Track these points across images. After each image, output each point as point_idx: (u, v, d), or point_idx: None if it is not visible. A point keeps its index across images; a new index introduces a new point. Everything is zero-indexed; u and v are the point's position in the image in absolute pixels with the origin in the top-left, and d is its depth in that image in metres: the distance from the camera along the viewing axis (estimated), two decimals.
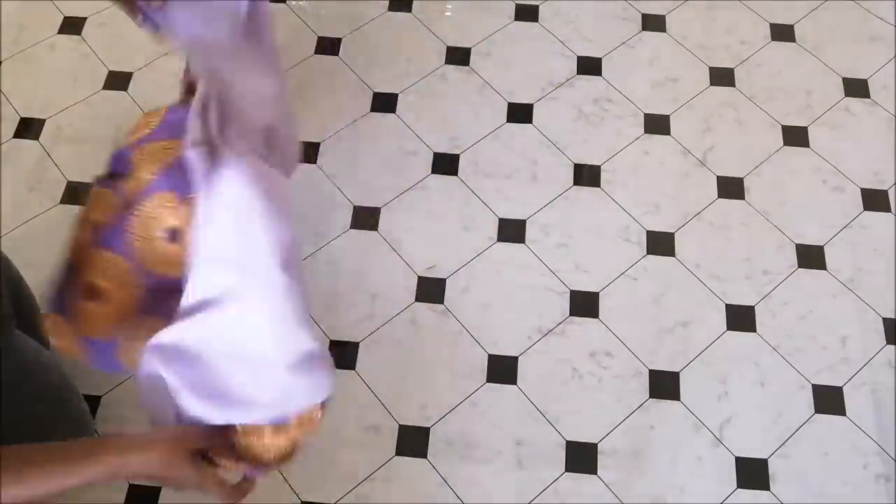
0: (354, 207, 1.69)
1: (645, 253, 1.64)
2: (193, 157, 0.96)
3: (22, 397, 1.02)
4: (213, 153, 0.96)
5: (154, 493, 1.38)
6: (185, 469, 0.86)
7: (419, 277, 1.62)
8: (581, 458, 1.44)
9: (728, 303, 1.59)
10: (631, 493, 1.40)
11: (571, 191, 1.72)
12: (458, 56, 1.91)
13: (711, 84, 1.88)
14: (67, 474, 0.78)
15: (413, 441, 1.47)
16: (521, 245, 1.66)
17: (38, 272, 1.27)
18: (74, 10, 1.98)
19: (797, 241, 1.67)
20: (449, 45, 1.93)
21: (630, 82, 1.88)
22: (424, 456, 1.46)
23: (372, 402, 1.48)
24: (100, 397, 1.47)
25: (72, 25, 1.95)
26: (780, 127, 1.82)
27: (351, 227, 1.67)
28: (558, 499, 1.41)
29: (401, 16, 1.98)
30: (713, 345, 1.55)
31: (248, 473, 0.96)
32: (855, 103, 1.85)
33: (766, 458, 1.44)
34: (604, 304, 1.59)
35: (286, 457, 0.98)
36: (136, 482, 1.38)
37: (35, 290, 1.27)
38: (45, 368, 1.15)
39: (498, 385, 1.52)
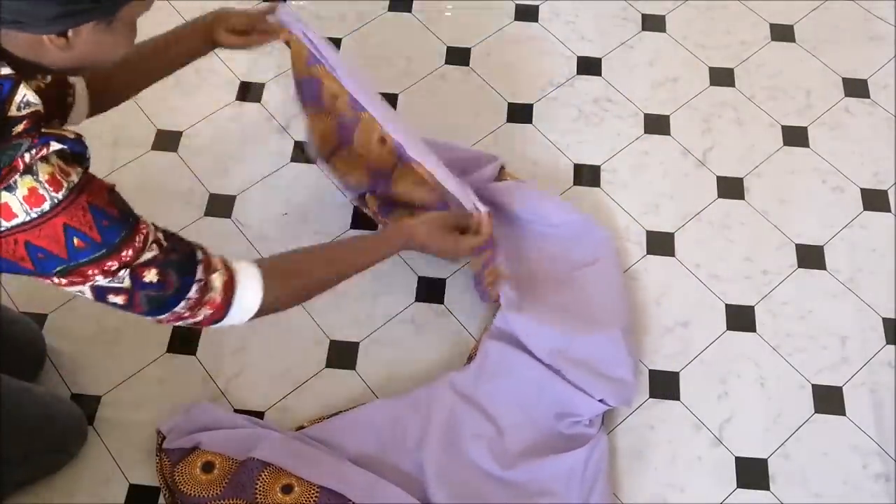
0: (355, 207, 1.69)
1: (645, 253, 1.64)
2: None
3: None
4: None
5: (154, 492, 1.38)
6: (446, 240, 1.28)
7: (419, 277, 1.62)
8: None
9: (728, 303, 1.59)
10: (631, 493, 1.40)
11: (571, 191, 1.72)
12: (458, 56, 1.91)
13: (711, 84, 1.88)
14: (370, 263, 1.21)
15: None
16: None
17: None
18: None
19: (797, 241, 1.67)
20: (449, 45, 1.93)
21: (630, 82, 1.88)
22: None
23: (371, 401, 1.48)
24: (100, 397, 1.47)
25: None
26: (780, 127, 1.82)
27: (351, 227, 1.67)
28: None
29: (401, 16, 1.98)
30: (713, 345, 1.55)
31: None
32: (855, 103, 1.85)
33: (766, 458, 1.44)
34: None
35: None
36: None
37: None
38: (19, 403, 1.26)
39: None
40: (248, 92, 1.85)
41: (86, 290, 0.92)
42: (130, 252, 0.91)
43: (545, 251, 1.59)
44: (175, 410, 1.44)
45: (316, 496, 1.29)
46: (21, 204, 0.84)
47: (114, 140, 1.75)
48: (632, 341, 1.48)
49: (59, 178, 0.85)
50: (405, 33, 1.95)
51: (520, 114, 1.83)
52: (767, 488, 1.41)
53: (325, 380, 1.50)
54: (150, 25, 1.96)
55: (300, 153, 1.76)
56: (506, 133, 1.79)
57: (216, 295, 0.99)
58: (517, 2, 2.01)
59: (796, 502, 1.40)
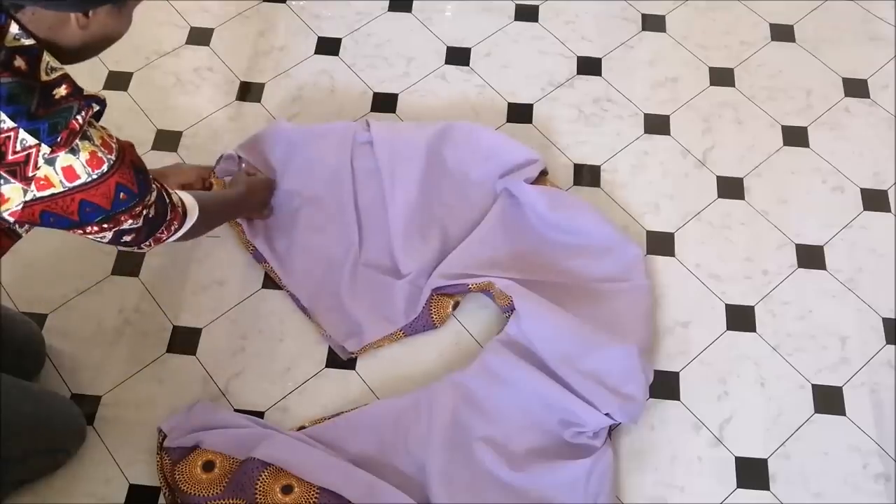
0: None
1: (645, 253, 1.64)
2: None
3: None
4: None
5: (154, 492, 1.38)
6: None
7: None
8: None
9: (728, 303, 1.59)
10: (631, 493, 1.40)
11: (571, 191, 1.72)
12: (458, 56, 1.91)
13: (711, 84, 1.88)
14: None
15: None
16: None
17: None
18: None
19: (797, 241, 1.67)
20: (449, 45, 1.93)
21: (630, 82, 1.88)
22: None
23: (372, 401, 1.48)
24: (100, 397, 1.47)
25: None
26: (780, 127, 1.82)
27: None
28: None
29: (401, 16, 1.98)
30: (713, 345, 1.55)
31: None
32: (855, 103, 1.85)
33: (766, 458, 1.44)
34: None
35: None
36: None
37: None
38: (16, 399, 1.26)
39: None
40: (248, 92, 1.85)
41: (109, 234, 1.06)
42: (150, 196, 1.07)
43: (573, 261, 1.58)
44: (175, 410, 1.44)
45: (316, 497, 1.29)
46: (84, 167, 0.96)
47: None
48: (647, 361, 1.47)
49: (108, 140, 0.99)
50: (405, 33, 1.95)
51: (520, 114, 1.83)
52: (767, 488, 1.41)
53: (325, 380, 1.50)
54: (150, 25, 1.98)
55: None
56: (506, 133, 1.79)
57: (179, 208, 1.19)
58: (517, 2, 2.01)
59: (796, 502, 1.40)
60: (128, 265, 1.61)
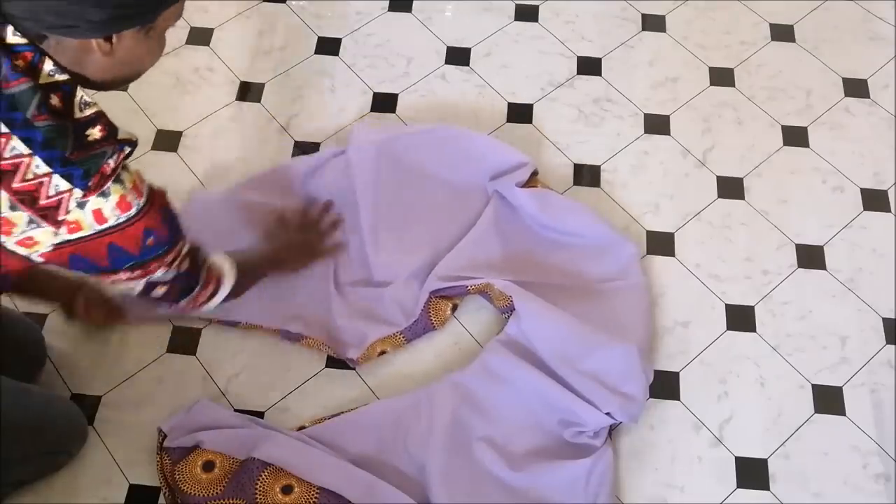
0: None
1: (645, 253, 1.64)
2: None
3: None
4: None
5: (154, 492, 1.38)
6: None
7: None
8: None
9: (728, 303, 1.59)
10: (631, 493, 1.40)
11: (571, 191, 1.72)
12: (458, 56, 1.91)
13: (711, 84, 1.88)
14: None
15: None
16: None
17: None
18: None
19: (797, 241, 1.67)
20: (449, 45, 1.93)
21: (630, 82, 1.88)
22: None
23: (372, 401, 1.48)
24: (100, 397, 1.47)
25: None
26: (780, 127, 1.82)
27: None
28: None
29: (401, 16, 1.98)
30: (713, 345, 1.55)
31: None
32: (855, 103, 1.85)
33: (766, 458, 1.44)
34: None
35: None
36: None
37: None
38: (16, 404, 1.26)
39: None
40: (248, 92, 1.85)
41: (140, 283, 1.06)
42: (183, 246, 1.08)
43: (568, 261, 1.58)
44: (175, 410, 1.44)
45: (316, 497, 1.29)
46: (113, 209, 0.96)
47: None
48: (647, 361, 1.47)
49: (138, 184, 0.99)
50: (405, 33, 1.95)
51: (520, 114, 1.83)
52: (767, 488, 1.41)
53: (325, 380, 1.50)
54: None
55: (300, 153, 1.76)
56: (506, 133, 1.79)
57: (214, 272, 1.20)
58: (517, 2, 2.01)
59: (796, 502, 1.40)
60: None
